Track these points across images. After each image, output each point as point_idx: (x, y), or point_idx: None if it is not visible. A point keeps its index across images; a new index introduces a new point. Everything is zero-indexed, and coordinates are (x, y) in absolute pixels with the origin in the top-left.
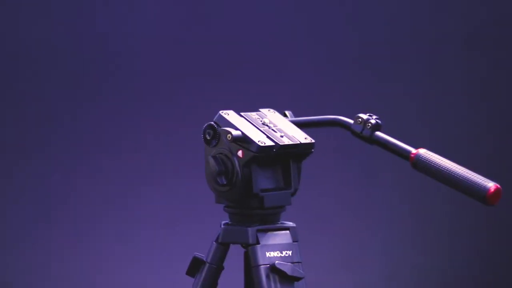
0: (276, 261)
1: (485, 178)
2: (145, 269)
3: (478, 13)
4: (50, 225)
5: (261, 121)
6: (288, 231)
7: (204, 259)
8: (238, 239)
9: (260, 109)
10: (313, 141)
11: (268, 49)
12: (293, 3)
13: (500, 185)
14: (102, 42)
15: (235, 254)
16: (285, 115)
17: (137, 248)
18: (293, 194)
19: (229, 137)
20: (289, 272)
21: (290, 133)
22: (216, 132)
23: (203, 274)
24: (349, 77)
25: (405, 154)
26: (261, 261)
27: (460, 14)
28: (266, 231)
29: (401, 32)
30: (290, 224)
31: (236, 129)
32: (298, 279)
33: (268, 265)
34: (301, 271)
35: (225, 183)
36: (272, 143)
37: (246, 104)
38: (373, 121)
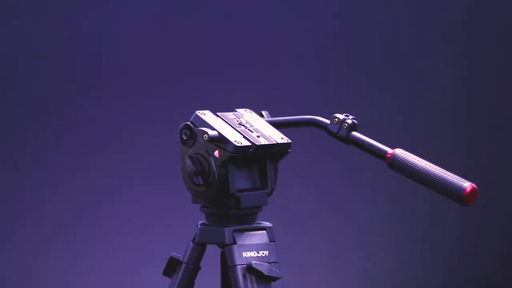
0: (253, 261)
1: (461, 178)
2: (121, 269)
3: (455, 11)
4: (27, 225)
5: (237, 121)
6: (264, 231)
7: (181, 259)
8: (214, 239)
9: (237, 109)
10: (289, 141)
11: (245, 49)
12: (273, 2)
13: (476, 185)
14: (86, 42)
15: (212, 254)
16: (261, 115)
17: (114, 248)
18: (269, 194)
19: (205, 137)
20: (265, 272)
21: (266, 133)
22: (192, 132)
23: (180, 274)
24: (326, 77)
25: (381, 154)
26: (237, 261)
27: (438, 12)
28: (242, 231)
29: (379, 33)
30: (267, 224)
31: (213, 129)
32: (274, 279)
33: (245, 265)
34: (278, 271)
35: (201, 183)
36: (248, 143)
37: (223, 104)
38: (349, 121)
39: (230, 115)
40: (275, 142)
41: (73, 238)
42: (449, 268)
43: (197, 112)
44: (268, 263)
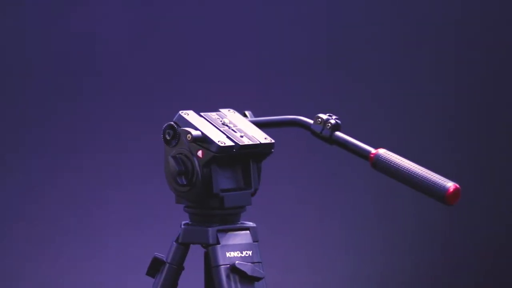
0: (236, 261)
1: (444, 178)
2: (104, 269)
3: (441, 10)
4: (8, 227)
5: (221, 121)
6: (248, 231)
7: (164, 259)
8: (198, 239)
9: (220, 109)
10: (273, 141)
11: (228, 49)
12: (256, 2)
13: (459, 185)
14: (71, 44)
15: (195, 254)
16: (245, 115)
17: (97, 248)
18: (253, 194)
19: (189, 137)
20: (249, 272)
21: (250, 133)
22: (176, 132)
23: (163, 274)
24: (309, 77)
25: (364, 154)
26: (221, 261)
27: (423, 11)
28: (226, 231)
29: (363, 32)
30: (250, 224)
31: (196, 129)
32: (258, 279)
33: (228, 265)
34: (261, 271)
35: (185, 183)
36: (232, 143)
37: (206, 104)
38: (332, 121)
39: (213, 115)
40: (258, 142)
41: (57, 238)
42: (435, 268)
43: (180, 112)
44: (251, 263)
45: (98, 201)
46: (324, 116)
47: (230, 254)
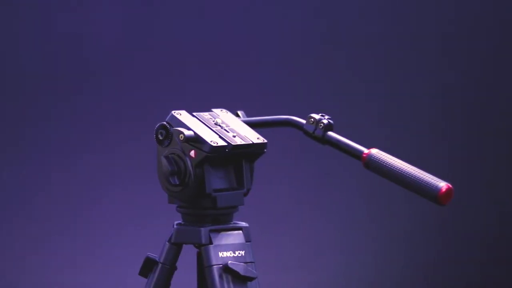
0: (229, 261)
1: (437, 178)
2: (97, 269)
3: (434, 11)
4: (3, 227)
5: (213, 121)
6: (241, 231)
7: (157, 259)
8: (191, 239)
9: (213, 109)
10: (265, 141)
11: (220, 49)
12: (248, 3)
13: (452, 185)
14: (64, 44)
15: (188, 254)
16: (237, 115)
17: (90, 248)
18: (245, 194)
19: (181, 137)
20: (242, 272)
21: (242, 133)
22: (168, 132)
23: (156, 274)
24: (302, 77)
25: (357, 154)
26: (214, 261)
27: (416, 12)
28: (219, 231)
29: (356, 31)
30: (243, 224)
31: (189, 129)
32: (251, 279)
33: (221, 265)
34: (254, 271)
35: (177, 183)
36: (224, 143)
37: (199, 104)
38: (325, 121)
39: (206, 115)
40: (251, 142)
41: (50, 238)
42: (429, 268)
43: (173, 112)
44: (244, 263)
45: (90, 201)
46: (316, 116)
47: (222, 254)
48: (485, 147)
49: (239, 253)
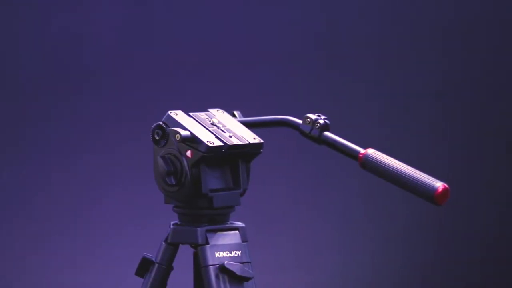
0: (225, 261)
1: (433, 178)
2: (93, 269)
3: (433, 11)
4: (1, 227)
5: (209, 121)
6: (237, 231)
7: (153, 259)
8: (187, 239)
9: (209, 109)
10: (261, 141)
11: (216, 49)
12: (244, 3)
13: (448, 185)
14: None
15: (185, 254)
16: (233, 115)
17: (86, 248)
18: (242, 194)
19: (177, 137)
20: (238, 272)
21: (239, 133)
22: (164, 132)
23: (152, 274)
24: (299, 77)
25: (353, 154)
26: (210, 261)
27: (415, 13)
28: (215, 231)
29: (353, 31)
30: (239, 224)
31: (185, 129)
32: (247, 279)
33: (217, 265)
34: (251, 271)
35: (174, 183)
36: (221, 143)
37: (195, 104)
38: (321, 121)
39: (202, 115)
40: (247, 142)
41: (47, 239)
42: (426, 268)
43: (169, 112)
44: (240, 263)
45: (87, 201)
46: (313, 116)
47: (219, 254)
48: (482, 146)
49: (235, 253)
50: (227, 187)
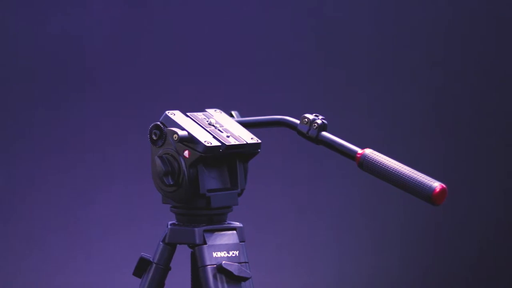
0: (223, 261)
1: (430, 178)
2: (91, 269)
3: (432, 11)
4: None
5: (207, 121)
6: (235, 231)
7: (151, 259)
8: (185, 239)
9: (207, 109)
10: (259, 141)
11: (215, 50)
12: (243, 2)
13: (446, 185)
14: (57, 43)
15: (182, 254)
16: (231, 115)
17: (83, 248)
18: (239, 194)
19: (175, 137)
20: (236, 272)
21: (236, 133)
22: (162, 132)
23: (150, 274)
24: (296, 77)
25: (351, 154)
26: (208, 261)
27: (409, 13)
28: (213, 231)
29: (350, 32)
30: (237, 224)
31: (182, 129)
32: (245, 279)
33: (215, 265)
34: (248, 271)
35: (171, 183)
36: (218, 143)
37: (193, 104)
38: (319, 121)
39: (200, 115)
40: (245, 142)
41: (44, 239)
42: (423, 268)
43: (166, 112)
44: (238, 263)
45: (84, 201)
46: (310, 116)
47: (216, 254)
48: (479, 146)
49: (233, 253)
50: (225, 187)
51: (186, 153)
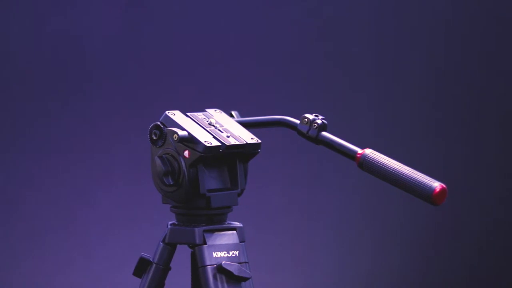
0: (223, 261)
1: (430, 178)
2: (91, 269)
3: (431, 11)
4: None
5: (207, 121)
6: (235, 231)
7: (151, 259)
8: (185, 239)
9: (207, 109)
10: (259, 141)
11: (214, 50)
12: (240, 2)
13: (446, 185)
14: (57, 44)
15: (182, 254)
16: (231, 115)
17: (83, 248)
18: (239, 194)
19: (175, 137)
20: (236, 272)
21: (236, 133)
22: (162, 132)
23: (150, 274)
24: (296, 77)
25: (351, 154)
26: (208, 262)
27: (409, 13)
28: (213, 231)
29: (352, 33)
30: (237, 224)
31: (182, 129)
32: (245, 279)
33: (215, 265)
34: (248, 271)
35: (171, 183)
36: (218, 143)
37: (193, 104)
38: (319, 121)
39: (200, 115)
40: (245, 142)
41: (45, 239)
42: (422, 268)
43: (166, 112)
44: (238, 263)
45: (84, 201)
46: (310, 116)
47: (216, 254)
48: (479, 146)
49: (233, 253)
50: (225, 187)
51: (186, 153)
